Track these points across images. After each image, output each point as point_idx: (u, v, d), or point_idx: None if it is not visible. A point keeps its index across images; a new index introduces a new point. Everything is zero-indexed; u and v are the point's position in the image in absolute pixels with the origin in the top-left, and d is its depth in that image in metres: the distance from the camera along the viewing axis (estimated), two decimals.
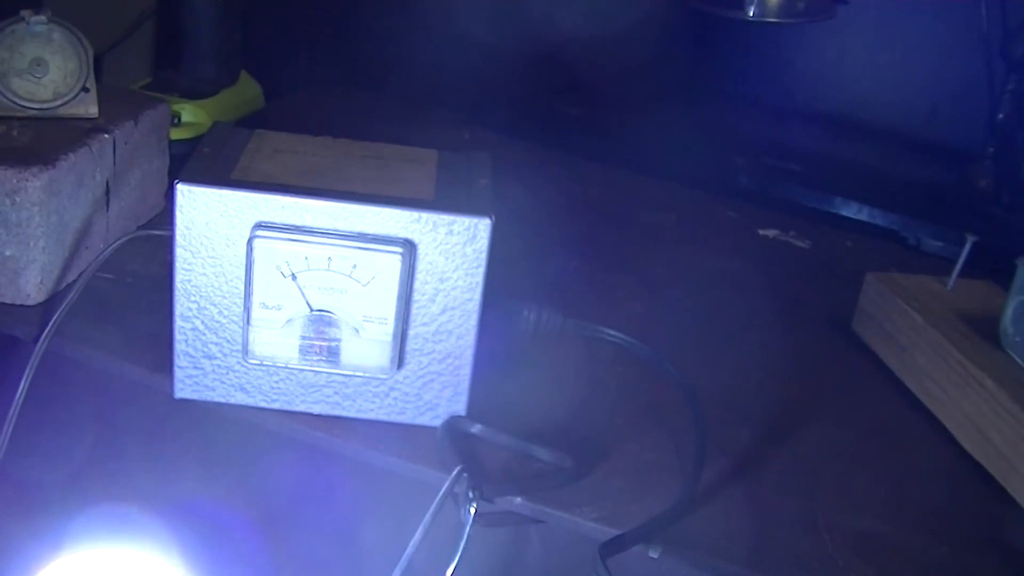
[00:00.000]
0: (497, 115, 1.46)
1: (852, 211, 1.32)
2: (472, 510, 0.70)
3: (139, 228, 1.01)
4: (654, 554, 0.72)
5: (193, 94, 1.21)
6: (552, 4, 1.44)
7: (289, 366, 0.78)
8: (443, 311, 0.77)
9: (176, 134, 1.12)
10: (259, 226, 0.74)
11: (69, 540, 0.88)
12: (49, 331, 0.82)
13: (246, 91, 1.31)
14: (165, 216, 1.05)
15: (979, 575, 0.76)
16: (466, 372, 0.79)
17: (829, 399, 0.94)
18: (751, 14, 1.29)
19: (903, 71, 1.47)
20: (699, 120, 1.43)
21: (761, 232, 1.26)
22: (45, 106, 0.95)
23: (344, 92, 1.53)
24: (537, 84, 1.53)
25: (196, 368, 0.79)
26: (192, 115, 1.19)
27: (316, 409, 0.80)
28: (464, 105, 1.48)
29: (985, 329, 0.91)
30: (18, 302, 0.88)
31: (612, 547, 0.69)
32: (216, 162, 0.78)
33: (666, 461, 0.81)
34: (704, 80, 1.49)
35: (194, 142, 1.12)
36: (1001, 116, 1.32)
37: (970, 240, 0.98)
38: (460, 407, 0.80)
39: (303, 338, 0.77)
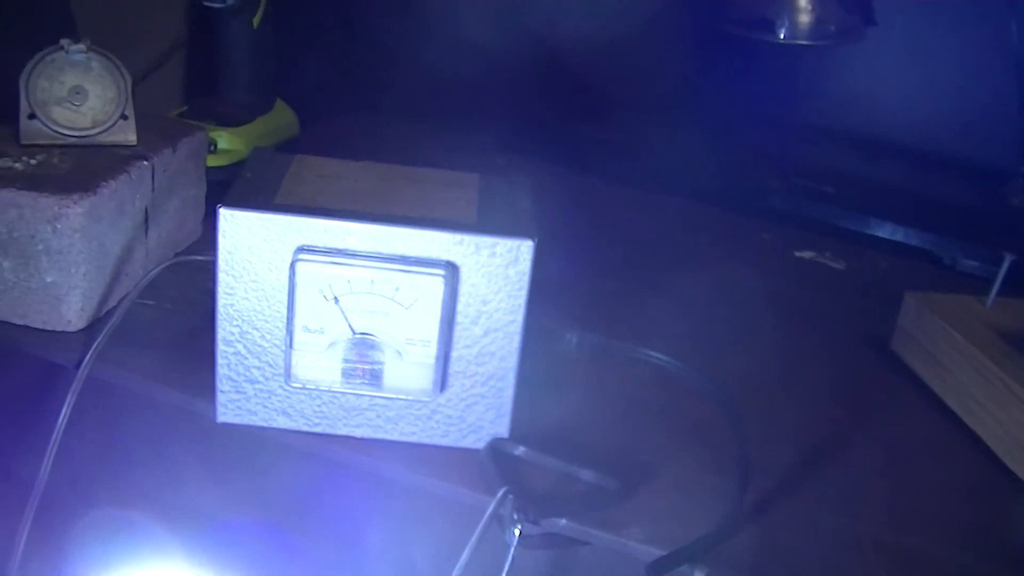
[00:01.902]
0: (530, 139, 1.46)
1: (887, 232, 1.32)
2: (517, 532, 0.70)
3: (177, 255, 1.01)
4: (700, 575, 0.71)
5: (229, 121, 1.22)
6: (582, 29, 1.44)
7: (332, 390, 0.78)
8: (485, 333, 0.77)
9: (212, 161, 1.12)
10: (301, 249, 0.75)
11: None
12: (90, 357, 0.82)
13: (281, 118, 1.31)
14: (202, 243, 1.06)
15: None
16: (508, 394, 0.79)
17: (870, 418, 0.93)
18: (782, 37, 1.29)
19: (934, 90, 1.46)
20: (731, 142, 1.43)
21: (796, 254, 1.26)
22: (84, 134, 0.95)
23: (377, 118, 1.53)
24: (567, 109, 1.53)
25: (238, 392, 0.79)
26: (228, 142, 1.20)
27: (359, 432, 0.80)
28: (498, 130, 1.48)
29: None
30: (59, 328, 0.89)
31: (659, 568, 0.69)
32: (258, 187, 0.79)
33: (710, 481, 0.80)
34: (736, 102, 1.49)
35: (230, 169, 1.13)
36: None
37: (1008, 259, 0.97)
38: (503, 429, 0.80)
39: (346, 361, 0.77)
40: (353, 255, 0.75)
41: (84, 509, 0.94)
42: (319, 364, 0.77)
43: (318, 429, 0.80)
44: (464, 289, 0.76)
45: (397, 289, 0.75)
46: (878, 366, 1.02)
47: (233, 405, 0.80)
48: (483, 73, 1.44)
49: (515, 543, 0.70)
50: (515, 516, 0.70)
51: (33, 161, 0.91)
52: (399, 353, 0.76)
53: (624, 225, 1.31)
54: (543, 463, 0.79)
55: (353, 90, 1.56)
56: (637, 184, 1.40)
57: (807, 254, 1.26)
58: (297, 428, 0.80)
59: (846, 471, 0.85)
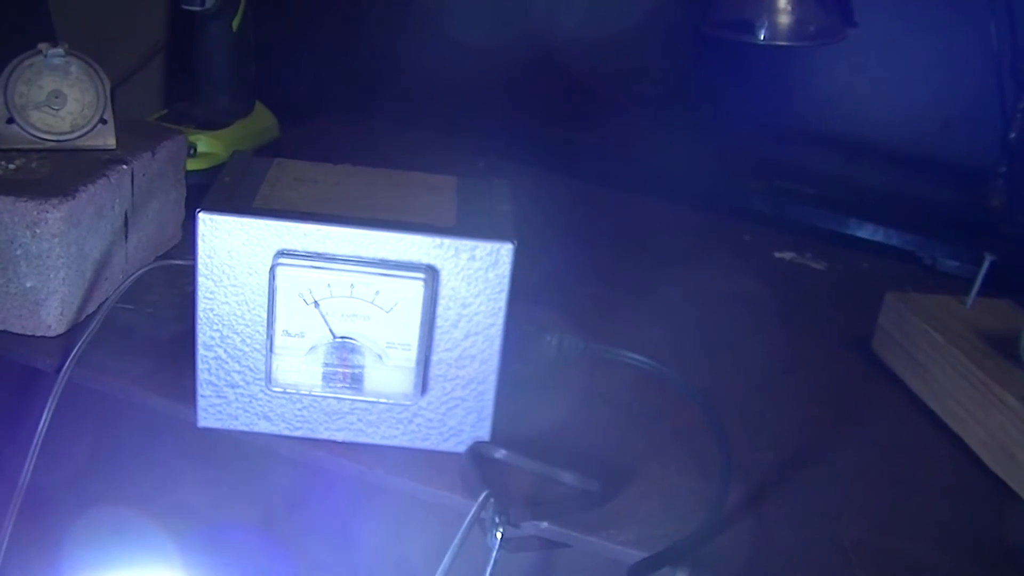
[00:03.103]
0: (509, 142, 1.46)
1: (867, 232, 1.33)
2: (499, 535, 0.70)
3: (157, 259, 1.01)
4: None
5: (209, 125, 1.21)
6: (565, 31, 1.44)
7: (312, 394, 0.78)
8: (466, 336, 0.77)
9: (192, 165, 1.12)
10: (281, 254, 0.74)
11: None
12: (71, 362, 0.82)
13: (261, 121, 1.31)
14: (182, 247, 1.05)
15: None
16: (490, 397, 0.79)
17: (851, 419, 0.93)
18: (762, 38, 1.29)
19: (914, 90, 1.46)
20: (712, 144, 1.43)
21: (777, 255, 1.26)
22: (63, 138, 0.95)
23: (357, 120, 1.53)
24: (549, 111, 1.53)
25: (219, 397, 0.79)
26: (208, 146, 1.19)
27: (340, 436, 0.80)
28: (477, 132, 1.48)
29: (1005, 348, 0.91)
30: (39, 333, 0.88)
31: (640, 570, 0.69)
32: (237, 191, 0.78)
33: (691, 483, 0.81)
34: (717, 104, 1.49)
35: (210, 173, 1.13)
36: (1013, 135, 1.32)
37: (988, 259, 0.97)
38: (484, 432, 0.80)
39: (326, 365, 0.77)
40: (333, 259, 0.74)
41: (78, 509, 0.94)
42: (300, 368, 0.77)
43: (299, 433, 0.80)
44: (444, 292, 0.76)
45: (377, 293, 0.74)
46: (859, 367, 1.02)
47: (214, 410, 0.80)
48: (463, 75, 1.44)
49: (497, 546, 0.70)
50: (496, 519, 0.70)
51: (12, 166, 0.90)
52: (379, 357, 0.76)
53: (605, 226, 1.31)
54: (524, 466, 0.79)
55: (332, 93, 1.56)
56: (618, 186, 1.41)
57: (788, 255, 1.26)
58: (278, 432, 0.80)
59: (827, 472, 0.85)
